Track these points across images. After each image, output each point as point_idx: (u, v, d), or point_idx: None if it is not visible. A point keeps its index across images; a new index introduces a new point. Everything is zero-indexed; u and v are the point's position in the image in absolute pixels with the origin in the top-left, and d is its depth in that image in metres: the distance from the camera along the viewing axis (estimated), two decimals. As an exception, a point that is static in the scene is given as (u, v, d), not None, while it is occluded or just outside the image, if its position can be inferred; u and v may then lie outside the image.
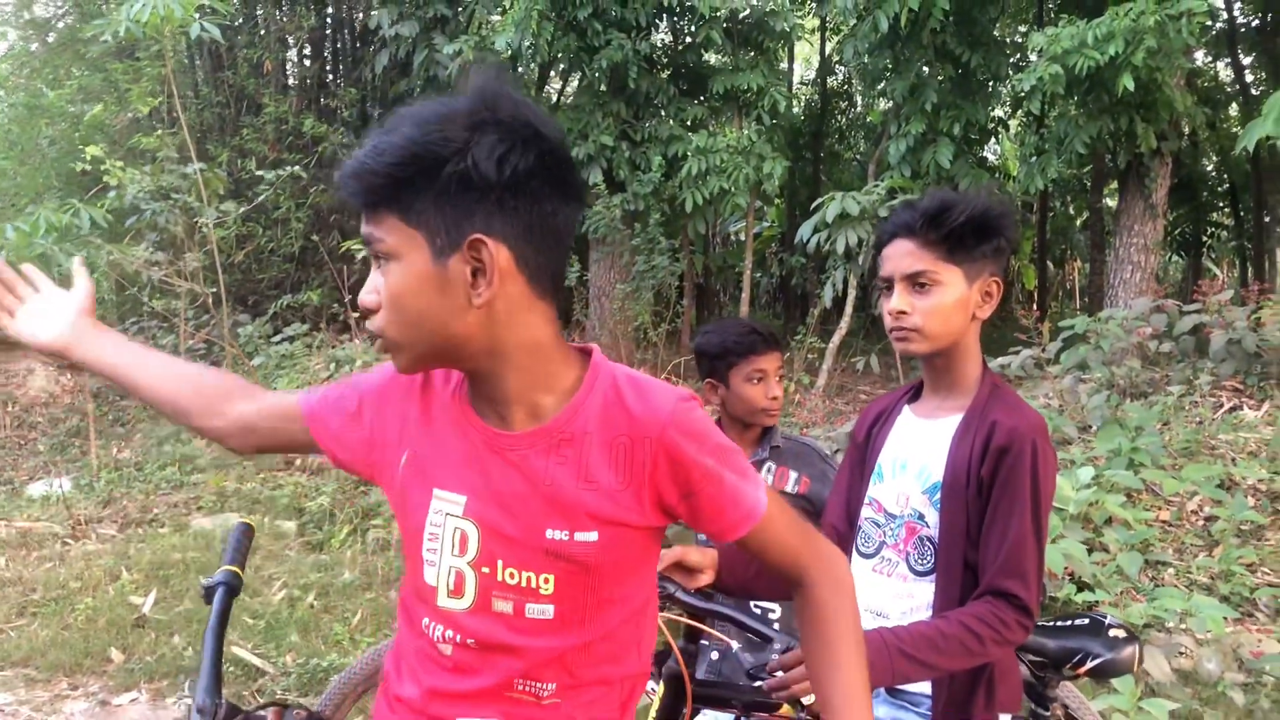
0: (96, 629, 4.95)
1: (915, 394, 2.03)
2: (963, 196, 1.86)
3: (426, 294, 1.12)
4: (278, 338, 9.48)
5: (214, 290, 8.14)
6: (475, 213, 1.10)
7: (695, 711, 2.03)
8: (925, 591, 1.87)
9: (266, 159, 11.90)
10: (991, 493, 1.78)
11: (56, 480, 7.67)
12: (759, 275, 12.14)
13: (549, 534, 1.18)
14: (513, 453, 1.20)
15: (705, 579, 1.98)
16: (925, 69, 10.15)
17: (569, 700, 1.23)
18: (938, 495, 1.86)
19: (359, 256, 9.38)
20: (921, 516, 1.89)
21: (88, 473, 7.74)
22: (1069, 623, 2.20)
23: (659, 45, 11.74)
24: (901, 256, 1.86)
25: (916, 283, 1.85)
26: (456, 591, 1.21)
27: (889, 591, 1.93)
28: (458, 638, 1.22)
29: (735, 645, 2.01)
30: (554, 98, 13.68)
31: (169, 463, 7.40)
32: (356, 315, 9.65)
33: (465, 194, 1.09)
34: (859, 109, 14.67)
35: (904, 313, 1.86)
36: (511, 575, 1.20)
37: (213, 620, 1.66)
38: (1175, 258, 21.43)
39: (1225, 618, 3.95)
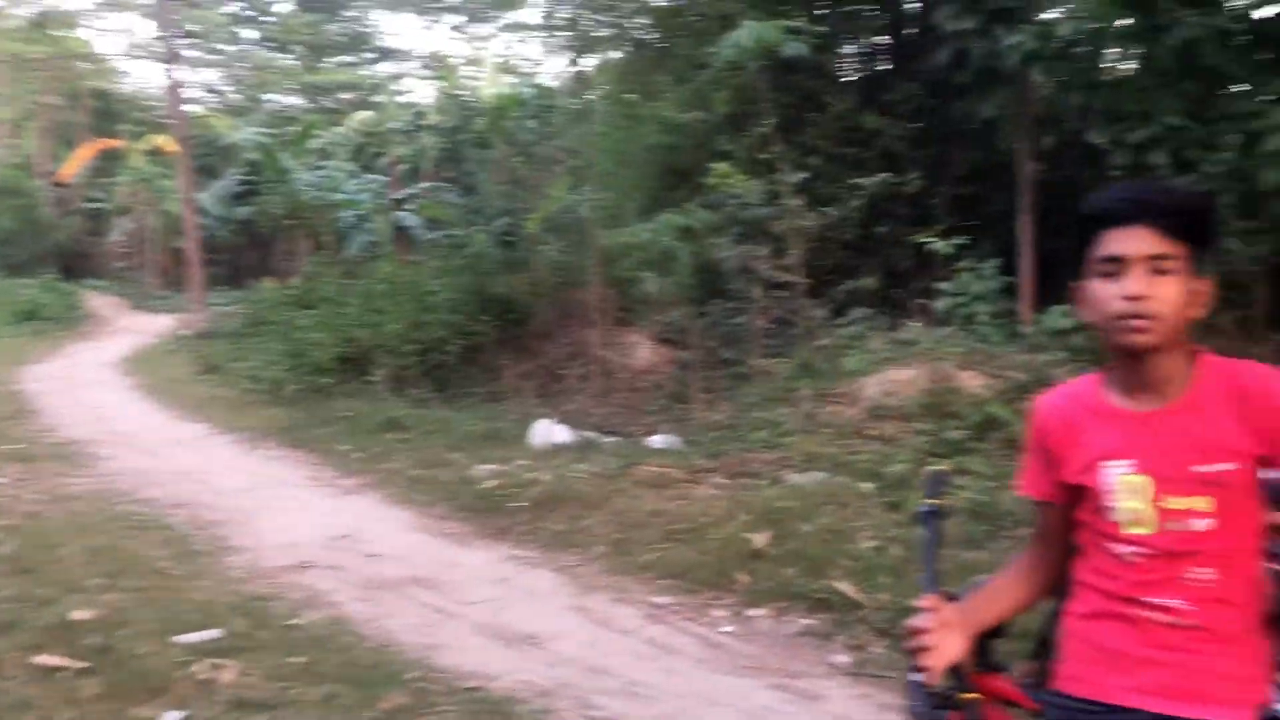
0: (725, 556, 6.15)
1: None
2: None
3: (1183, 302, 1.76)
4: (841, 320, 10.47)
5: (808, 280, 9.31)
6: (1207, 256, 1.75)
7: None
8: None
9: (829, 154, 12.97)
10: None
11: (669, 436, 9.27)
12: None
13: (1197, 469, 1.78)
14: (1160, 421, 1.83)
15: None
16: None
17: (1223, 584, 1.81)
18: None
19: (931, 248, 10.01)
20: None
21: (692, 431, 9.26)
22: None
23: (1237, 14, 11.03)
24: None
25: None
26: (1139, 524, 1.84)
27: None
28: (1143, 550, 1.84)
29: None
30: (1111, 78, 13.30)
31: (758, 426, 8.64)
32: (921, 301, 10.39)
33: (1209, 243, 1.76)
34: None
35: None
36: (1177, 503, 1.80)
37: (929, 537, 2.42)
38: None
39: None
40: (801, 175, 9.23)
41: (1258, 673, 1.85)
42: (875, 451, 7.59)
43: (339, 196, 25.47)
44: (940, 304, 10.09)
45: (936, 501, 2.53)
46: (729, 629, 5.40)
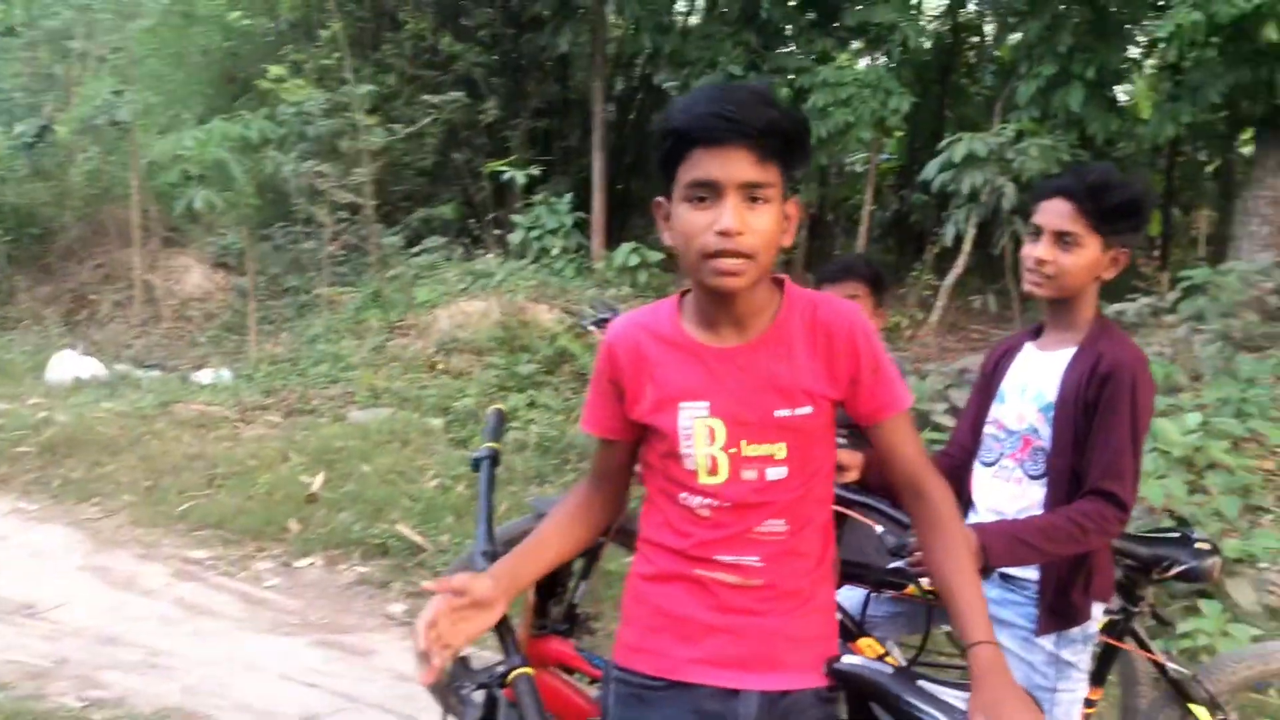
0: (274, 501, 5.59)
1: (1036, 334, 2.38)
2: (1123, 180, 2.19)
3: (778, 230, 1.53)
4: (416, 249, 10.03)
5: (375, 202, 8.71)
6: (796, 176, 1.55)
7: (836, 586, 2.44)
8: (1037, 493, 2.24)
9: (405, 74, 12.38)
10: (1096, 412, 2.13)
11: (220, 370, 8.40)
12: (875, 209, 12.25)
13: (777, 413, 1.60)
14: (741, 359, 1.61)
15: (852, 476, 2.41)
16: (1061, 8, 10.06)
17: (794, 535, 1.64)
18: (1051, 413, 2.21)
19: (506, 178, 9.81)
20: (1036, 431, 2.25)
21: (247, 365, 8.45)
22: (1161, 535, 2.56)
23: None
24: (1057, 214, 2.18)
25: (1063, 240, 2.18)
26: (713, 471, 1.62)
27: (1006, 494, 2.31)
28: (715, 503, 1.63)
29: (879, 529, 2.39)
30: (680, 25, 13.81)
31: (321, 360, 8.03)
32: (497, 232, 10.19)
33: (801, 165, 1.56)
34: (989, 45, 14.50)
35: (1044, 262, 2.20)
36: (754, 450, 1.61)
37: (483, 486, 2.12)
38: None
39: (1317, 561, 4.20)
40: (369, 88, 8.59)
41: (827, 629, 1.72)
42: (445, 386, 7.29)
43: None
44: (514, 236, 9.95)
45: (494, 445, 2.24)
46: (274, 582, 4.89)
